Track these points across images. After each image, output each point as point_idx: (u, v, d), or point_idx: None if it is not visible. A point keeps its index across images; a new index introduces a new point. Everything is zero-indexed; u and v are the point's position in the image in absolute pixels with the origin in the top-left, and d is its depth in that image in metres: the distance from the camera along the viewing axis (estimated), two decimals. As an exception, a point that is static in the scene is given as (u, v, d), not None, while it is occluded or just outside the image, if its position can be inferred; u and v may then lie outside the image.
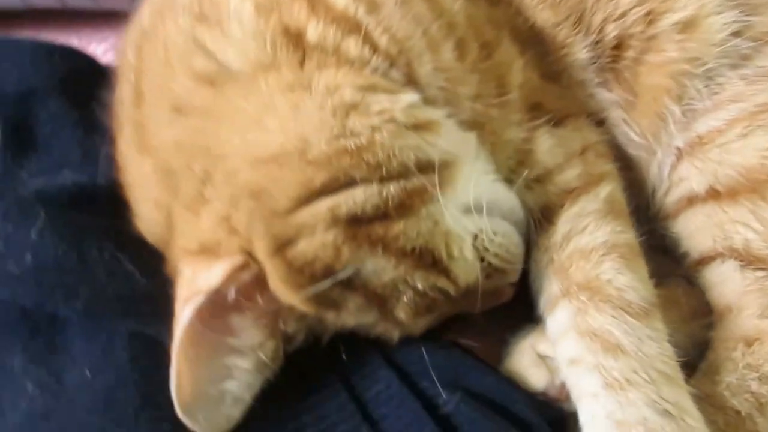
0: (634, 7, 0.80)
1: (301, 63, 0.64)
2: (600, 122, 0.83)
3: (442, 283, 0.63)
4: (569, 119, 0.79)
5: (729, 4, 0.79)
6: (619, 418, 0.60)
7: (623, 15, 0.80)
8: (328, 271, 0.59)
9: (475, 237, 0.66)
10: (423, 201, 0.62)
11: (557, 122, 0.78)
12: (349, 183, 0.59)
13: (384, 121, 0.61)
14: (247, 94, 0.62)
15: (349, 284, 0.60)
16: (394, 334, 0.67)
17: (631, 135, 0.82)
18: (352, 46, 0.65)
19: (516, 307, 0.73)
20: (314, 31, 0.65)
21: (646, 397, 0.60)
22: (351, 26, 0.66)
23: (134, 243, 0.68)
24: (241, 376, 0.61)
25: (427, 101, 0.68)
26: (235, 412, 0.61)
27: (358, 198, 0.59)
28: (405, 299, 0.62)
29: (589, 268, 0.67)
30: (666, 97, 0.79)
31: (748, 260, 0.72)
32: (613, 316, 0.64)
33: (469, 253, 0.65)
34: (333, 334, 0.67)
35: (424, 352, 0.66)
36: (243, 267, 0.59)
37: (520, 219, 0.72)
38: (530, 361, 0.70)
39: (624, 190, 0.79)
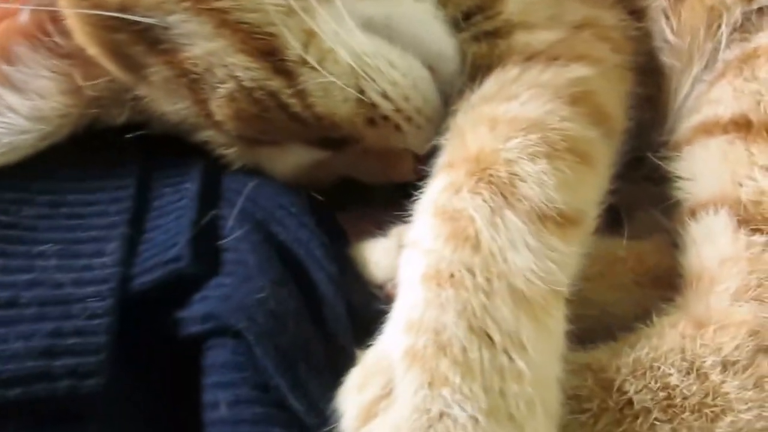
0: None
1: None
2: (637, 14, 0.61)
3: (278, 85, 0.48)
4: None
5: None
6: (413, 318, 0.41)
7: None
8: (127, 6, 0.46)
9: (361, 58, 0.50)
10: None
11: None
12: None
13: None
14: None
15: (154, 44, 0.47)
16: (231, 155, 0.53)
17: (668, 34, 0.59)
18: None
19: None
20: None
21: (463, 306, 0.40)
22: None
23: None
24: (13, 118, 0.50)
25: None
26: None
27: None
28: (222, 89, 0.48)
29: (490, 138, 0.47)
30: (727, -14, 0.55)
31: (750, 218, 0.48)
32: (484, 201, 0.44)
33: (335, 67, 0.49)
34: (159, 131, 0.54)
35: (250, 186, 0.51)
36: None
37: (446, 73, 0.54)
38: (386, 248, 0.52)
39: (632, 104, 0.57)
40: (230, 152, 0.54)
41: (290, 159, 0.55)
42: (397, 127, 0.52)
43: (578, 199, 0.47)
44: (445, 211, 0.45)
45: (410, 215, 0.48)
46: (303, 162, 0.55)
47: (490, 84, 0.51)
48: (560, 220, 0.45)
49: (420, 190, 0.48)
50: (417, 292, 0.42)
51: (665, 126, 0.58)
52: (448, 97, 0.54)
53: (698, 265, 0.49)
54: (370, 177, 0.57)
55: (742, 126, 0.51)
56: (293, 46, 0.47)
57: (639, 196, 0.58)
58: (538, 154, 0.47)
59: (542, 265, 0.43)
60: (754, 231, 0.47)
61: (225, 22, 0.46)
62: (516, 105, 0.49)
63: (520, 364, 0.39)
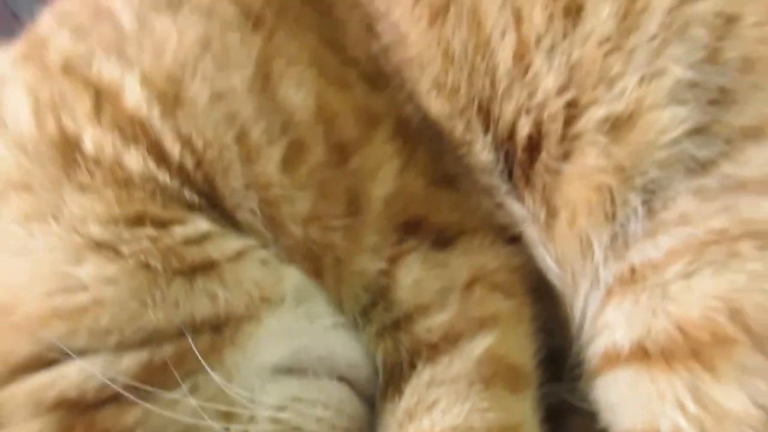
0: (554, 94, 0.61)
1: (58, 184, 0.51)
2: (515, 239, 0.65)
3: None
4: (462, 238, 0.62)
5: (686, 93, 0.59)
6: None
7: (540, 106, 0.61)
8: None
9: (282, 409, 0.50)
10: (185, 373, 0.47)
11: (445, 242, 0.61)
12: (61, 357, 0.45)
13: (130, 269, 0.47)
14: None
15: None
16: None
17: (548, 260, 0.62)
18: (133, 159, 0.52)
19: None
20: (90, 139, 0.52)
21: None
22: (137, 132, 0.53)
23: None
24: None
25: (233, 227, 0.53)
26: None
27: (73, 377, 0.44)
28: None
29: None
30: (589, 215, 0.59)
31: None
32: None
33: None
34: None
35: None
36: None
37: (363, 379, 0.55)
38: None
39: (538, 330, 0.60)
40: None
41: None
42: None
43: None
44: None
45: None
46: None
47: (408, 395, 0.53)
48: None
49: None
50: None
51: (574, 351, 0.62)
52: (371, 396, 0.55)
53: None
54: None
55: (641, 356, 0.55)
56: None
57: None
58: None
59: None
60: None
61: None
62: (438, 415, 0.51)
63: None
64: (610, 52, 0.61)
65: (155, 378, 0.46)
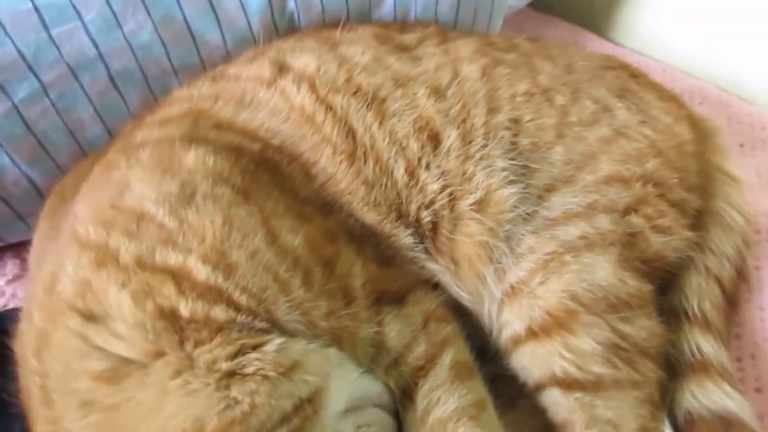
0: (439, 193, 0.99)
1: (181, 343, 0.77)
2: (436, 285, 1.01)
3: None
4: (410, 294, 0.97)
5: (511, 177, 0.99)
6: None
7: (432, 202, 0.99)
8: None
9: None
10: (307, 430, 0.77)
11: (400, 300, 0.95)
12: None
13: (259, 380, 0.76)
14: (143, 384, 0.75)
15: None
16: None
17: (461, 293, 1.00)
18: (219, 312, 0.79)
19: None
20: (185, 308, 0.79)
21: None
22: (214, 295, 0.80)
23: None
24: None
25: (291, 335, 0.83)
26: None
27: None
28: None
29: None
30: (479, 261, 0.98)
31: (568, 384, 0.92)
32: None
33: None
34: None
35: None
36: None
37: (387, 401, 0.88)
38: None
39: (467, 336, 0.97)
40: None
41: None
42: None
43: None
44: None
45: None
46: None
47: (420, 400, 0.87)
48: None
49: None
50: None
51: (492, 342, 1.00)
52: (395, 411, 0.89)
53: (559, 419, 0.92)
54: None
55: (532, 335, 0.95)
56: None
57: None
58: (473, 425, 0.85)
59: None
60: (574, 391, 0.91)
61: None
62: (442, 408, 0.86)
63: None
64: (464, 161, 1.00)
65: None
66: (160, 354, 0.76)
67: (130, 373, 0.76)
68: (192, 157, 0.92)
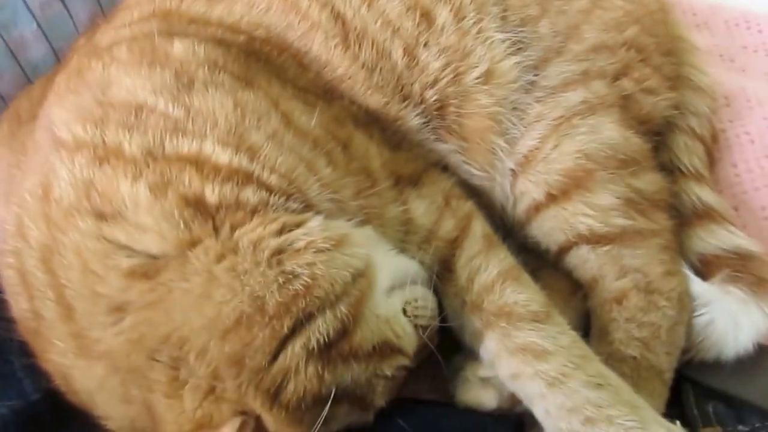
0: (442, 71, 0.95)
1: (216, 229, 0.70)
2: (444, 168, 0.99)
3: (402, 360, 0.75)
4: (424, 176, 0.94)
5: (511, 49, 0.98)
6: (569, 406, 0.76)
7: (436, 80, 0.95)
8: (318, 399, 0.67)
9: (404, 310, 0.78)
10: (364, 304, 0.73)
11: (415, 182, 0.92)
12: (310, 318, 0.68)
13: (314, 253, 0.70)
14: (186, 274, 0.68)
15: (335, 400, 0.69)
16: (370, 417, 0.77)
17: (473, 171, 0.98)
18: (250, 194, 0.73)
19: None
20: (212, 193, 0.72)
21: (580, 381, 0.77)
22: (242, 177, 0.74)
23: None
24: None
25: (326, 217, 0.78)
26: None
27: (322, 328, 0.68)
28: (380, 389, 0.73)
29: (497, 299, 0.83)
30: (491, 134, 0.96)
31: (595, 240, 0.93)
32: (530, 329, 0.80)
33: (407, 326, 0.77)
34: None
35: (402, 423, 0.77)
36: (243, 426, 0.66)
37: (424, 277, 0.85)
38: (477, 387, 0.85)
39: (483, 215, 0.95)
40: (370, 416, 0.77)
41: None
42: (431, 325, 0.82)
43: (540, 291, 0.86)
44: (516, 348, 0.80)
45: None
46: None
47: (461, 269, 0.86)
48: (549, 310, 0.83)
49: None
50: (555, 395, 0.77)
51: (509, 216, 0.99)
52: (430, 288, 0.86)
53: (588, 276, 0.93)
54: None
55: (551, 199, 0.95)
56: (393, 335, 0.74)
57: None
58: (517, 285, 0.85)
59: (570, 334, 0.82)
60: (602, 245, 0.92)
61: (368, 354, 0.71)
62: (485, 273, 0.85)
63: (614, 383, 0.78)
64: (462, 36, 0.97)
65: (355, 312, 0.71)
66: (196, 242, 0.70)
67: (166, 264, 0.69)
68: (179, 47, 0.84)
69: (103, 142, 0.74)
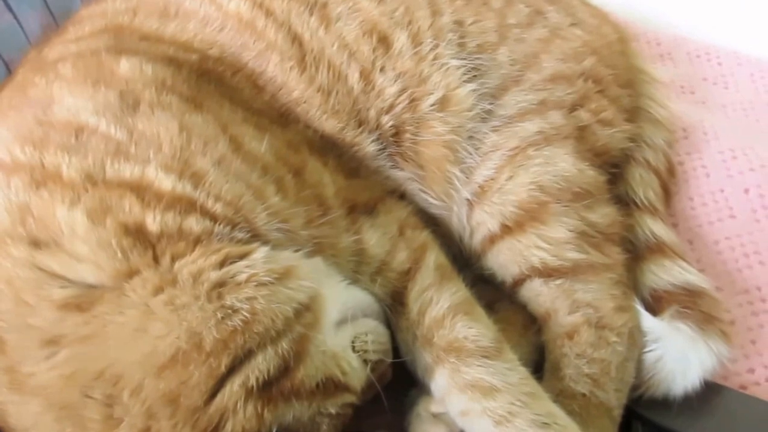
0: (398, 96, 0.94)
1: (156, 259, 0.68)
2: (402, 195, 0.97)
3: (348, 398, 0.73)
4: (379, 205, 0.92)
5: (467, 75, 0.97)
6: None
7: (392, 106, 0.94)
8: None
9: (353, 345, 0.76)
10: (309, 340, 0.70)
11: (371, 211, 0.90)
12: (249, 355, 0.65)
13: (255, 287, 0.68)
14: (121, 307, 0.65)
15: None
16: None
17: (430, 200, 0.97)
18: (194, 223, 0.71)
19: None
20: (153, 221, 0.69)
21: (527, 420, 0.76)
22: (185, 205, 0.71)
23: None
24: None
25: (273, 246, 0.75)
26: None
27: (262, 365, 0.65)
28: (324, 427, 0.71)
29: (447, 333, 0.81)
30: (446, 163, 0.95)
31: (548, 273, 0.92)
32: (479, 365, 0.79)
33: (355, 362, 0.75)
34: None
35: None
36: None
37: (377, 309, 0.83)
38: (428, 423, 0.83)
39: (440, 245, 0.94)
40: None
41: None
42: (383, 360, 0.80)
43: (492, 326, 0.85)
44: (465, 385, 0.78)
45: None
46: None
47: (413, 302, 0.84)
48: (499, 345, 0.82)
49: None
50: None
51: (465, 246, 0.98)
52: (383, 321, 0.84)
53: (541, 310, 0.92)
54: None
55: (506, 231, 0.94)
56: (338, 372, 0.72)
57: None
58: (468, 320, 0.84)
59: (519, 371, 0.81)
60: (555, 279, 0.91)
61: (311, 391, 0.69)
62: (436, 307, 0.83)
63: (562, 422, 0.77)
64: (418, 62, 0.96)
65: (297, 349, 0.69)
66: (133, 273, 0.67)
67: (102, 296, 0.66)
68: (126, 66, 0.82)
69: (42, 164, 0.71)
